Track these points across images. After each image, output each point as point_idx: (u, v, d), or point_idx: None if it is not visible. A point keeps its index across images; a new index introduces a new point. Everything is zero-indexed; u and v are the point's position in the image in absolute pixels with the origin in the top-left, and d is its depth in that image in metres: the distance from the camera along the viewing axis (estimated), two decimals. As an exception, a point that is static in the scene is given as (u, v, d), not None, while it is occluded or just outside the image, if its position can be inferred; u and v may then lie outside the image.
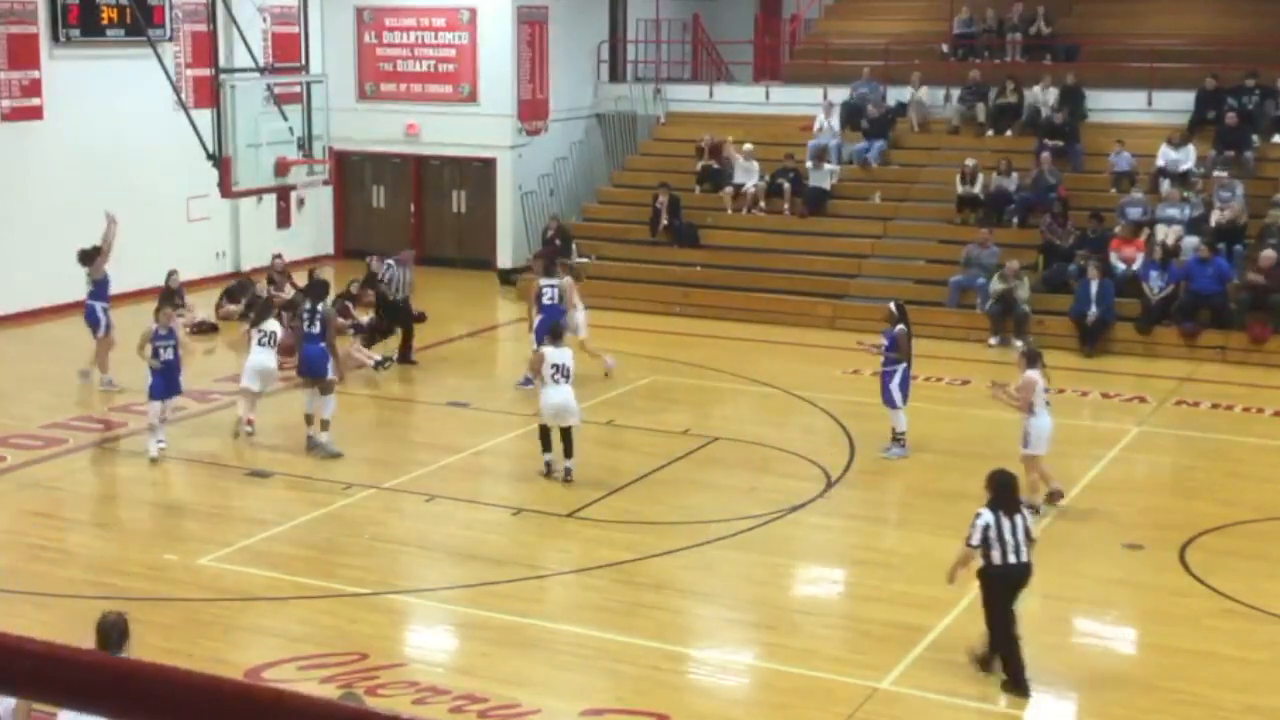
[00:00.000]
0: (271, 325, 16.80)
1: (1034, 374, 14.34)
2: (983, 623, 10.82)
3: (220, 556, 13.26)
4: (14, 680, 1.86)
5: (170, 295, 22.37)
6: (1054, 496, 14.55)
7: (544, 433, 15.43)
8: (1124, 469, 16.47)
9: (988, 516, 10.49)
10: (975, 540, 10.48)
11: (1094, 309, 21.53)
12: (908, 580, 12.62)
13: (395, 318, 20.70)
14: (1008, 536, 10.46)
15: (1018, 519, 10.56)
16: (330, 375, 16.25)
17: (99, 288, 18.90)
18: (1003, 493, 10.67)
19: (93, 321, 18.78)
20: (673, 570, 13.06)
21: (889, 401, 16.27)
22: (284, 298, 20.39)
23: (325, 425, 16.15)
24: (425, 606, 12.54)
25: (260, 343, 16.64)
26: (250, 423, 16.71)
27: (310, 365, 16.42)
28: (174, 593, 12.44)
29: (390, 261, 20.71)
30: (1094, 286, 21.59)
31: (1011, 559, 10.48)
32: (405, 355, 20.48)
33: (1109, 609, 12.68)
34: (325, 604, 12.32)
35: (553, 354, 15.25)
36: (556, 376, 15.10)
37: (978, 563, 10.69)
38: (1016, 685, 10.64)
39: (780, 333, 22.59)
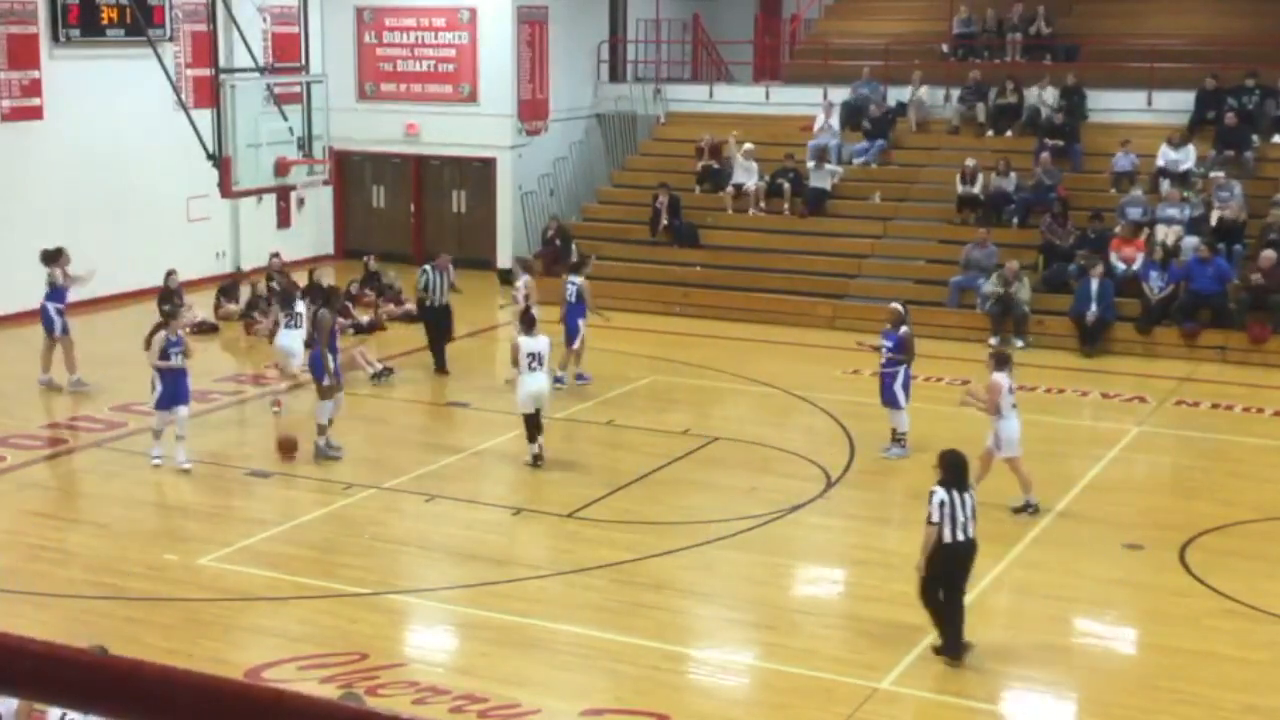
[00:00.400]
0: (298, 307, 17.27)
1: (1000, 376, 14.40)
2: (955, 620, 11.11)
3: (220, 556, 13.26)
4: (14, 680, 1.86)
5: (169, 295, 22.38)
6: (1028, 506, 14.45)
7: (528, 423, 15.83)
8: (1124, 469, 16.46)
9: (942, 494, 10.89)
10: (935, 517, 10.83)
11: (1094, 307, 21.53)
12: (908, 580, 12.56)
13: (432, 322, 20.25)
14: (959, 514, 10.85)
15: (966, 497, 10.96)
16: (324, 381, 16.14)
17: (56, 291, 18.92)
18: (954, 471, 11.04)
19: (47, 323, 18.80)
20: (673, 570, 13.06)
21: (891, 402, 16.27)
22: (293, 283, 20.43)
23: (321, 430, 16.12)
24: (425, 606, 12.53)
25: (287, 325, 17.24)
26: (279, 403, 16.93)
27: (310, 368, 16.52)
28: (174, 593, 12.44)
29: (426, 267, 20.41)
30: (1094, 285, 21.59)
31: (960, 536, 10.88)
32: (440, 364, 20.08)
33: (1109, 609, 12.68)
34: (325, 604, 12.32)
35: (528, 343, 15.80)
36: (533, 364, 15.69)
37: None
38: (950, 648, 10.94)
39: (780, 333, 22.59)
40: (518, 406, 15.99)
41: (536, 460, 15.83)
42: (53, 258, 19.07)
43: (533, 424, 15.83)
